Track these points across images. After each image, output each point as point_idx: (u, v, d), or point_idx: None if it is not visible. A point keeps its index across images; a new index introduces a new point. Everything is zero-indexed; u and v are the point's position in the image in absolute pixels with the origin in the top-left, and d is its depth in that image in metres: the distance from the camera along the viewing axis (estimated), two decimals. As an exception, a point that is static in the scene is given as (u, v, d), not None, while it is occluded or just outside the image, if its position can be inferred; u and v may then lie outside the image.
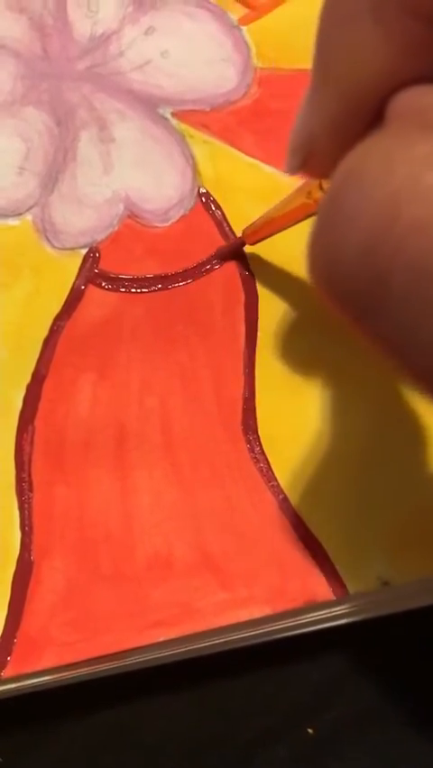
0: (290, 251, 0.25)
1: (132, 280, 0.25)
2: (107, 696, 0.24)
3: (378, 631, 0.23)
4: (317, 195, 0.21)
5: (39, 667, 0.22)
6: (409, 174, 0.11)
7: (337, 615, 0.23)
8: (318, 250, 0.12)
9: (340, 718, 0.24)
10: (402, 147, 0.11)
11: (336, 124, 0.14)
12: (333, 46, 0.13)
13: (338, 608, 0.23)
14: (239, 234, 0.26)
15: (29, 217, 0.26)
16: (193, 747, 0.23)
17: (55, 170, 0.26)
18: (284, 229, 0.24)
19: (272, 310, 0.25)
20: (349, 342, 0.23)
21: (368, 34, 0.12)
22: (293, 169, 0.16)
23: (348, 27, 0.13)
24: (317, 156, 0.15)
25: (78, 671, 0.22)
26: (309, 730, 0.23)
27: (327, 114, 0.14)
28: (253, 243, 0.25)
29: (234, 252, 0.26)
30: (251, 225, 0.25)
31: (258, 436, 0.24)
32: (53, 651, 0.22)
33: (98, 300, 0.25)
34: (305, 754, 0.23)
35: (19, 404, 0.24)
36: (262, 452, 0.24)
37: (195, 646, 0.22)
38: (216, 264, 0.26)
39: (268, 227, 0.24)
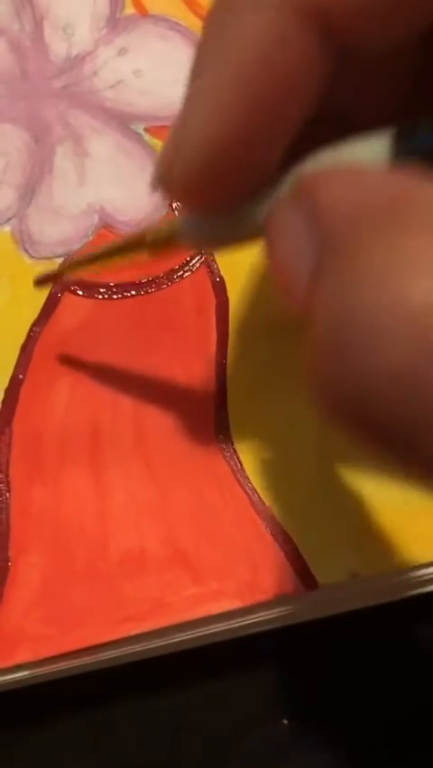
0: (260, 254, 0.26)
1: (106, 287, 0.26)
2: (83, 690, 0.24)
3: (349, 624, 0.24)
4: (164, 249, 0.19)
5: (15, 662, 0.22)
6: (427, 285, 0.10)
7: (308, 608, 0.23)
8: (338, 383, 0.11)
9: (314, 710, 0.24)
10: (405, 257, 0.11)
11: (215, 118, 0.13)
12: (218, 31, 0.13)
13: (309, 602, 0.23)
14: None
15: (7, 228, 0.27)
16: (169, 740, 0.24)
17: (32, 183, 0.27)
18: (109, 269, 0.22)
19: (243, 314, 0.26)
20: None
21: (251, 21, 0.13)
22: (155, 184, 0.15)
23: (233, 12, 0.13)
24: (182, 165, 0.14)
25: (54, 665, 0.23)
26: (285, 721, 0.24)
27: (207, 105, 0.13)
28: (66, 278, 0.24)
29: (51, 281, 0.25)
30: (70, 263, 0.24)
31: (230, 436, 0.25)
32: (28, 646, 0.22)
33: (74, 307, 0.26)
34: (280, 744, 0.24)
35: (-3, 407, 0.25)
36: (234, 451, 0.24)
37: (168, 641, 0.23)
38: (187, 270, 0.26)
39: (88, 269, 0.23)
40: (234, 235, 0.16)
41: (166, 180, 0.15)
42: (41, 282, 0.25)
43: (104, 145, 0.28)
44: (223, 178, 0.14)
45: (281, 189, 0.15)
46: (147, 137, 0.28)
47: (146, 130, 0.28)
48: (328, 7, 0.12)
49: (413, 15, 0.12)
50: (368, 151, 0.13)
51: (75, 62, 0.28)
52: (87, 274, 0.23)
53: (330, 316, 0.11)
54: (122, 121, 0.28)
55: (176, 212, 0.27)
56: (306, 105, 0.13)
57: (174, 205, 0.27)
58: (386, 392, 0.11)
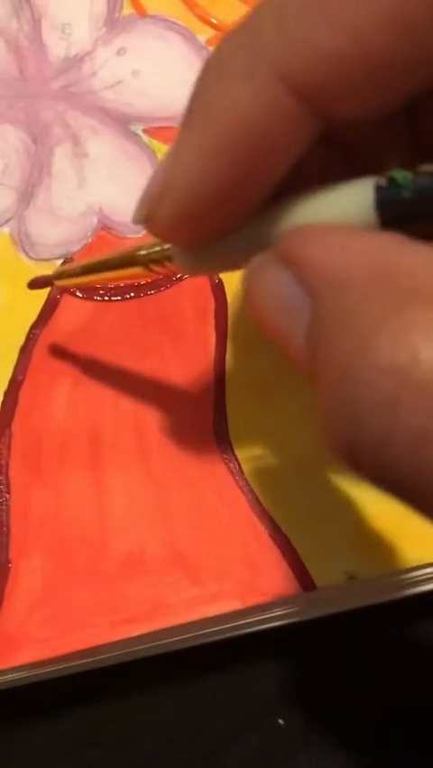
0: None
1: (105, 289, 0.26)
2: (83, 691, 0.24)
3: (346, 625, 0.24)
4: (158, 268, 0.19)
5: (16, 663, 0.22)
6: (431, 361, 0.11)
7: (306, 609, 0.24)
8: (354, 442, 0.12)
9: (310, 710, 0.24)
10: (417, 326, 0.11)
11: (193, 175, 0.14)
12: (206, 97, 0.14)
13: (306, 603, 0.23)
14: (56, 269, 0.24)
15: (6, 230, 0.27)
16: (167, 740, 0.24)
17: (31, 185, 0.27)
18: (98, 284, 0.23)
19: (242, 316, 0.26)
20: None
21: (238, 91, 0.13)
22: (137, 221, 0.16)
23: (223, 80, 0.13)
24: (165, 208, 0.15)
25: (54, 666, 0.23)
26: (280, 721, 0.24)
27: (188, 159, 0.14)
28: (61, 287, 0.24)
29: (44, 286, 0.25)
30: (66, 268, 0.23)
31: (228, 438, 0.25)
32: (29, 648, 0.22)
33: (73, 309, 0.26)
34: (276, 744, 0.24)
35: (-4, 409, 0.25)
36: (233, 453, 0.25)
37: (167, 641, 0.23)
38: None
39: (81, 281, 0.23)
40: (221, 264, 0.17)
41: (148, 221, 0.15)
42: (34, 285, 0.25)
43: (103, 146, 0.28)
44: (203, 222, 0.15)
45: (267, 225, 0.15)
46: (146, 138, 0.28)
47: (145, 131, 0.28)
48: (310, 84, 0.13)
49: (394, 92, 0.13)
50: (349, 200, 0.14)
51: (73, 62, 0.28)
52: (80, 283, 0.23)
53: (341, 385, 0.12)
54: (121, 122, 0.28)
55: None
56: (290, 160, 0.14)
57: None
58: (403, 457, 0.11)
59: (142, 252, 0.19)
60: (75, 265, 0.23)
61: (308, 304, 0.13)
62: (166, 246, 0.18)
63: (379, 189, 0.13)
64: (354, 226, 0.14)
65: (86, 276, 0.22)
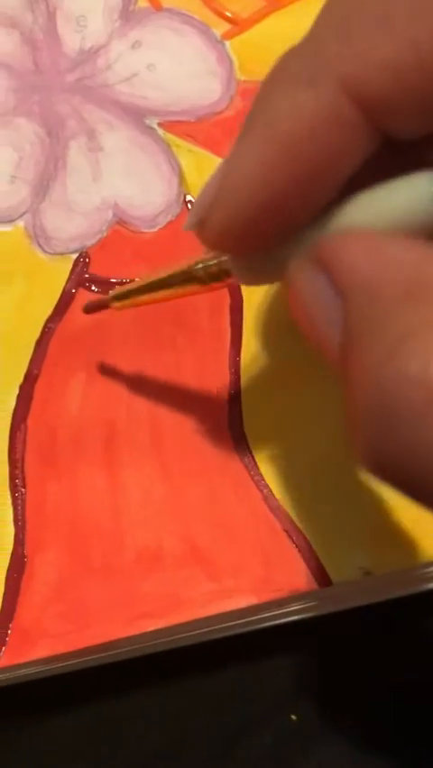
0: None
1: (121, 284, 0.26)
2: (97, 686, 0.24)
3: (361, 620, 0.24)
4: (216, 284, 0.19)
5: (32, 658, 0.22)
6: None
7: (321, 604, 0.24)
8: (382, 450, 0.12)
9: (323, 706, 0.24)
10: None
11: (259, 178, 0.14)
12: (267, 102, 0.14)
13: (322, 598, 0.23)
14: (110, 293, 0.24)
15: (21, 224, 0.27)
16: (180, 735, 0.24)
17: (46, 179, 0.27)
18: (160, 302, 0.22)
19: (257, 312, 0.26)
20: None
21: (303, 95, 0.13)
22: (190, 227, 0.16)
23: (286, 86, 0.14)
24: (221, 217, 0.15)
25: (70, 661, 0.23)
26: (293, 717, 0.24)
27: (253, 165, 0.14)
28: (119, 309, 0.23)
29: (100, 309, 0.24)
30: (121, 290, 0.23)
31: (243, 433, 0.25)
32: (46, 642, 0.22)
33: (89, 303, 0.26)
34: (289, 740, 0.24)
35: (12, 403, 0.25)
36: (248, 449, 0.25)
37: (183, 635, 0.23)
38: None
39: (139, 299, 0.22)
40: (281, 273, 0.16)
41: (201, 226, 0.15)
42: (90, 309, 0.24)
43: (118, 140, 0.27)
44: (257, 229, 0.15)
45: (324, 228, 0.15)
46: (161, 132, 0.28)
47: (160, 124, 0.28)
48: (372, 95, 0.13)
49: None
50: (405, 196, 0.14)
51: (88, 55, 0.28)
52: (137, 303, 0.22)
53: (370, 391, 0.12)
54: (136, 115, 0.28)
55: (188, 202, 0.27)
56: (349, 170, 0.14)
57: (189, 201, 0.27)
58: (430, 465, 0.12)
59: (199, 266, 0.18)
60: (132, 286, 0.22)
61: (341, 308, 0.13)
62: (223, 258, 0.17)
63: None
64: (400, 232, 0.14)
65: (142, 295, 0.22)
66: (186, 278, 0.19)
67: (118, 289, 0.23)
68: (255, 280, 0.17)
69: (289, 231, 0.15)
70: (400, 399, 0.12)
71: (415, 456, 0.12)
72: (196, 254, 0.19)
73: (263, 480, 0.24)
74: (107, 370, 0.26)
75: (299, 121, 0.13)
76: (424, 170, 0.14)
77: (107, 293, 0.25)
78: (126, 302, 0.23)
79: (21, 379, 0.25)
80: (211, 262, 0.18)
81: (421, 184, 0.14)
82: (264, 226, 0.15)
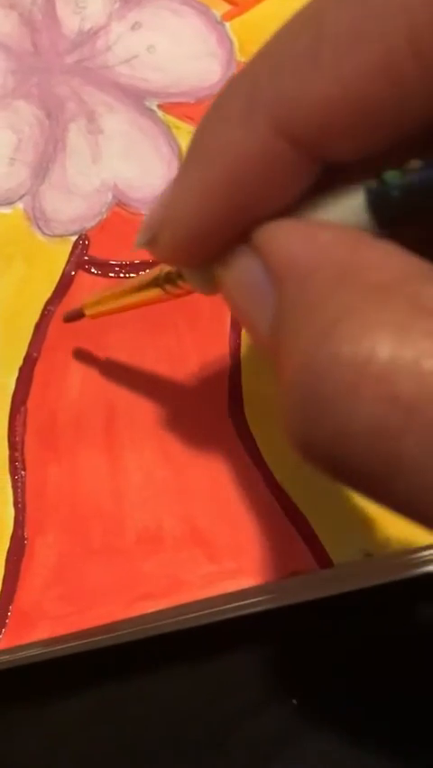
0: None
1: (120, 266, 0.26)
2: (98, 668, 0.24)
3: (362, 602, 0.24)
4: (174, 290, 0.20)
5: (32, 640, 0.22)
6: (391, 355, 0.11)
7: (322, 586, 0.24)
8: (310, 434, 0.12)
9: (324, 689, 0.24)
10: (369, 327, 0.12)
11: (191, 210, 0.15)
12: (206, 139, 0.15)
13: (323, 580, 0.23)
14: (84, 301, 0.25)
15: (20, 206, 0.27)
16: (181, 718, 0.24)
17: (45, 161, 0.27)
18: (128, 310, 0.23)
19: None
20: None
21: (237, 138, 0.14)
22: (140, 245, 0.17)
23: (223, 125, 0.14)
24: (166, 237, 0.16)
25: (71, 643, 0.23)
26: (294, 701, 0.24)
27: (187, 197, 0.15)
28: (93, 317, 0.24)
29: (75, 319, 0.25)
30: (93, 297, 0.24)
31: (244, 415, 0.25)
32: (46, 624, 0.22)
33: (88, 286, 0.26)
34: (289, 723, 0.24)
35: (12, 386, 0.25)
36: (248, 431, 0.24)
37: (183, 617, 0.23)
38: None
39: (110, 307, 0.23)
40: None
41: (151, 246, 0.17)
42: (69, 319, 0.25)
43: (117, 122, 0.27)
44: (204, 247, 0.16)
45: None
46: (161, 113, 0.28)
47: (160, 106, 0.28)
48: (303, 133, 0.14)
49: (386, 135, 0.13)
50: (342, 210, 0.14)
51: (88, 37, 0.28)
52: (110, 310, 0.23)
53: (301, 374, 0.12)
54: (135, 97, 0.28)
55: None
56: (288, 197, 0.15)
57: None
58: (360, 446, 0.12)
59: (155, 273, 0.19)
60: (102, 293, 0.23)
61: (274, 293, 0.14)
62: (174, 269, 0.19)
63: (369, 192, 0.14)
64: (325, 221, 0.14)
65: (111, 302, 0.23)
66: (146, 284, 0.20)
67: (89, 298, 0.24)
68: (208, 289, 0.18)
69: (236, 244, 0.16)
70: (331, 382, 0.12)
71: (345, 438, 0.12)
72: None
73: (264, 461, 0.24)
74: (107, 353, 0.25)
75: (233, 159, 0.14)
76: (362, 181, 0.14)
77: (107, 275, 0.25)
78: (99, 309, 0.24)
79: (20, 361, 0.25)
80: (167, 269, 0.19)
81: (358, 193, 0.14)
82: (209, 245, 0.15)
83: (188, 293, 0.19)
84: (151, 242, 0.16)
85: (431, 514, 0.12)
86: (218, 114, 0.14)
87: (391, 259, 0.13)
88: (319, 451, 0.12)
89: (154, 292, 0.20)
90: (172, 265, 0.19)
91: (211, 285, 0.17)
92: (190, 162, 0.15)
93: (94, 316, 0.24)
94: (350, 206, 0.14)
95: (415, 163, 0.13)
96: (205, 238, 0.15)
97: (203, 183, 0.15)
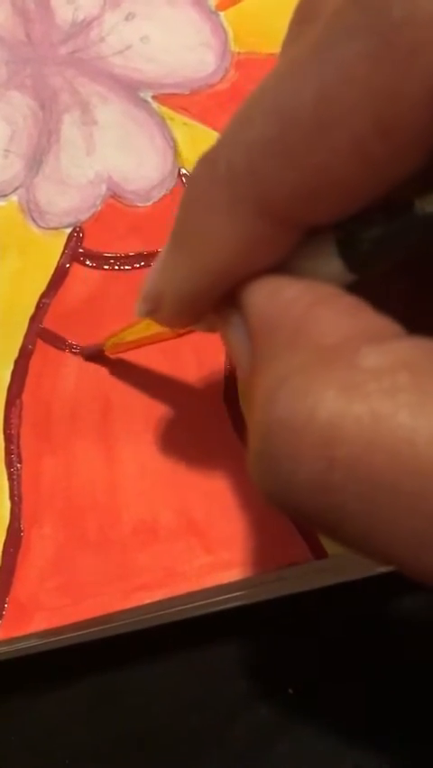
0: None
1: (115, 258, 0.26)
2: (95, 659, 0.24)
3: (358, 593, 0.24)
4: (183, 330, 0.22)
5: (28, 631, 0.22)
6: (329, 416, 0.12)
7: (317, 577, 0.24)
8: (267, 485, 0.13)
9: (320, 680, 0.24)
10: (313, 388, 0.12)
11: (183, 291, 0.16)
12: (191, 226, 0.15)
13: (318, 570, 0.23)
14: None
15: (14, 198, 0.27)
16: (177, 708, 0.24)
17: (39, 152, 0.27)
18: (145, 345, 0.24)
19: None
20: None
21: (221, 226, 0.15)
22: (141, 314, 0.18)
23: (206, 213, 0.15)
24: (164, 311, 0.17)
25: (67, 634, 0.23)
26: (290, 690, 0.24)
27: (178, 280, 0.16)
28: (113, 355, 0.25)
29: (95, 357, 0.26)
30: (114, 339, 0.25)
31: (240, 407, 0.25)
32: (42, 615, 0.23)
33: (83, 278, 0.26)
34: (286, 713, 0.24)
35: (7, 379, 0.25)
36: (244, 422, 0.24)
37: (179, 609, 0.23)
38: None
39: (128, 345, 0.24)
40: None
41: (152, 315, 0.18)
42: (89, 358, 0.25)
43: (111, 113, 0.27)
44: (202, 311, 0.17)
45: None
46: (155, 105, 0.28)
47: (154, 97, 0.28)
48: (286, 214, 0.14)
49: (365, 201, 0.14)
50: (318, 258, 0.15)
51: (81, 27, 0.28)
52: (126, 348, 0.25)
53: (255, 431, 0.13)
54: (129, 88, 0.28)
55: (183, 176, 0.27)
56: (274, 262, 0.15)
57: (183, 174, 0.27)
58: (306, 499, 0.13)
59: None
60: (119, 336, 0.24)
61: (249, 346, 0.15)
62: None
63: (339, 242, 0.15)
64: (293, 277, 0.15)
65: (129, 343, 0.24)
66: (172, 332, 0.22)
67: (110, 339, 0.25)
68: (212, 331, 0.19)
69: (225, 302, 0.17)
70: (275, 443, 0.13)
71: (292, 493, 0.13)
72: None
73: (259, 453, 0.24)
74: (102, 345, 0.25)
75: (219, 244, 0.15)
76: (329, 234, 0.15)
77: (102, 268, 0.25)
78: (117, 348, 0.25)
79: (15, 354, 0.25)
80: None
81: (328, 246, 0.15)
82: (202, 308, 0.17)
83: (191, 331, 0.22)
84: (151, 313, 0.18)
85: (380, 554, 0.12)
86: (201, 202, 0.15)
87: (341, 319, 0.13)
88: (275, 500, 0.13)
89: (167, 333, 0.22)
90: (175, 328, 0.21)
91: (213, 327, 0.18)
92: (176, 246, 0.16)
93: (112, 353, 0.25)
94: (324, 254, 0.15)
95: (379, 217, 0.14)
96: (198, 305, 0.17)
97: (193, 267, 0.16)
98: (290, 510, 0.13)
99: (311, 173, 0.13)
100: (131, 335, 0.23)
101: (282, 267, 0.15)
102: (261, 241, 0.15)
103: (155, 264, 0.17)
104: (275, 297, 0.14)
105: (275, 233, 0.14)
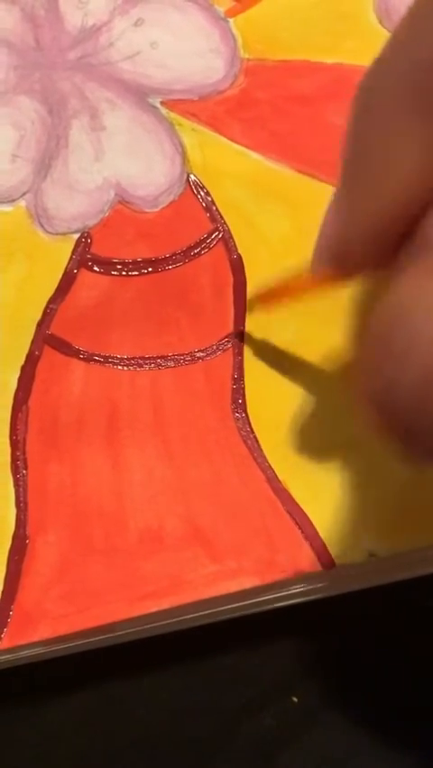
0: (278, 231, 0.26)
1: (123, 264, 0.26)
2: (99, 668, 0.24)
3: (365, 603, 0.24)
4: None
5: (33, 639, 0.22)
6: None
7: (324, 586, 0.24)
8: (372, 387, 0.13)
9: (324, 688, 0.24)
10: None
11: (371, 229, 0.15)
12: (369, 145, 0.14)
13: (325, 580, 0.23)
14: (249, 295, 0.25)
15: (22, 203, 0.27)
16: (181, 717, 0.24)
17: (48, 158, 0.27)
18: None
19: (260, 292, 0.26)
20: (336, 324, 0.24)
21: (408, 126, 0.13)
22: (321, 270, 0.17)
23: (386, 123, 0.13)
24: (348, 260, 0.16)
25: (72, 642, 0.23)
26: (294, 699, 0.24)
27: (362, 219, 0.15)
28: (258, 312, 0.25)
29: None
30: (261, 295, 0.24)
31: (247, 415, 0.25)
32: (47, 624, 0.22)
33: (90, 283, 0.26)
34: (289, 721, 0.24)
35: (14, 384, 0.25)
36: (251, 430, 0.24)
37: (185, 617, 0.23)
38: (204, 248, 0.26)
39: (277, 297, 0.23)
40: None
41: (342, 266, 0.16)
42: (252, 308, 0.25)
43: (120, 119, 0.27)
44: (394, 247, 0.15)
45: None
46: (164, 110, 0.28)
47: (163, 103, 0.28)
48: None
49: None
50: None
51: (90, 33, 0.28)
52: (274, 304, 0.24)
53: (381, 325, 0.13)
54: (138, 94, 0.28)
55: (191, 181, 0.27)
56: None
57: (192, 181, 0.27)
58: (405, 399, 0.13)
59: None
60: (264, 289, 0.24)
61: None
62: None
63: None
64: None
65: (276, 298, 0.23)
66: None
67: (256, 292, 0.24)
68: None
69: None
70: (401, 343, 0.13)
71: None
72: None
73: (267, 461, 0.24)
74: (110, 351, 0.25)
75: (413, 159, 0.13)
76: None
77: (110, 273, 0.25)
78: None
79: (22, 360, 0.25)
80: None
81: None
82: (390, 249, 0.15)
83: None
84: (334, 268, 0.16)
85: None
86: (378, 116, 0.14)
87: None
88: (371, 393, 0.13)
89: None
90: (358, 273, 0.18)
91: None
92: (358, 177, 0.15)
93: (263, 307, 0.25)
94: None
95: None
96: (391, 241, 0.15)
97: (384, 195, 0.14)
98: (394, 419, 0.13)
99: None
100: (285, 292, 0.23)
101: None
102: None
103: (329, 213, 0.16)
104: None
105: None
